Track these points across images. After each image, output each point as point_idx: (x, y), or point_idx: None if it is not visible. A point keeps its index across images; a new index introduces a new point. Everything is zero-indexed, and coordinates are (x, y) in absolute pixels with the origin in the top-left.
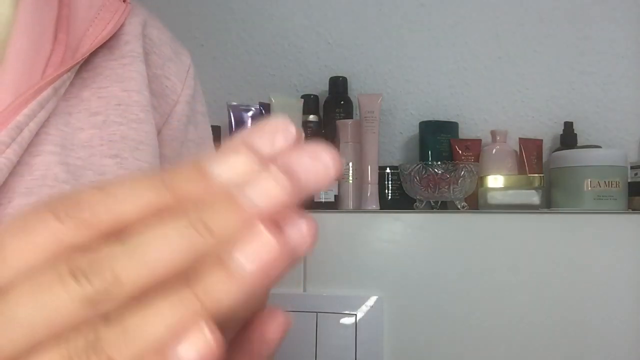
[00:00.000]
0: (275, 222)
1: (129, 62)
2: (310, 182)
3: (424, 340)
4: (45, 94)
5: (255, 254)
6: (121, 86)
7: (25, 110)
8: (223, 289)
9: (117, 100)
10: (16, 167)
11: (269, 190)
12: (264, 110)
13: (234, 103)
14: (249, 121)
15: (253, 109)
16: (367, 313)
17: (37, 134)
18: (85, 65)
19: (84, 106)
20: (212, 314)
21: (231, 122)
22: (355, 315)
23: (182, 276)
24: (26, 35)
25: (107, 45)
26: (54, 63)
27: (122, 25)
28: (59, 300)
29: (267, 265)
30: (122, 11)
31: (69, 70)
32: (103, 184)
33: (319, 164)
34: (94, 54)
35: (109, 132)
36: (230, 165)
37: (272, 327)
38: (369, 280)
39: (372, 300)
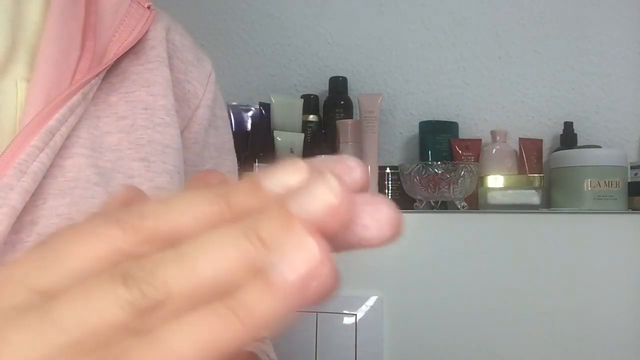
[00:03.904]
0: (327, 232)
1: (155, 67)
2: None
3: (424, 340)
4: (75, 99)
5: (297, 262)
6: (147, 90)
7: (57, 116)
8: (260, 301)
9: (144, 105)
10: (49, 170)
11: (321, 196)
12: (264, 110)
13: (234, 103)
14: (249, 121)
15: (253, 109)
16: (367, 313)
17: (68, 137)
18: (113, 70)
19: (112, 110)
20: (249, 330)
21: (231, 122)
22: (355, 315)
23: (225, 290)
24: (55, 43)
25: (133, 50)
26: (82, 69)
27: (147, 31)
28: (104, 304)
29: (308, 275)
30: (146, 18)
31: (96, 75)
32: (165, 197)
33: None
34: (120, 59)
35: (136, 136)
36: (285, 177)
37: None
38: (369, 280)
39: (372, 300)
